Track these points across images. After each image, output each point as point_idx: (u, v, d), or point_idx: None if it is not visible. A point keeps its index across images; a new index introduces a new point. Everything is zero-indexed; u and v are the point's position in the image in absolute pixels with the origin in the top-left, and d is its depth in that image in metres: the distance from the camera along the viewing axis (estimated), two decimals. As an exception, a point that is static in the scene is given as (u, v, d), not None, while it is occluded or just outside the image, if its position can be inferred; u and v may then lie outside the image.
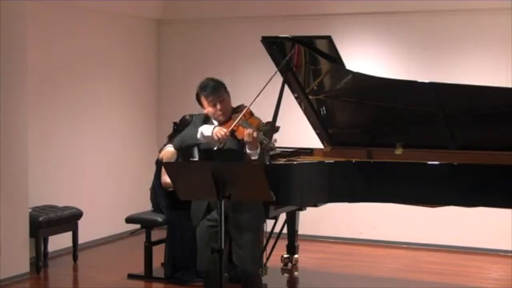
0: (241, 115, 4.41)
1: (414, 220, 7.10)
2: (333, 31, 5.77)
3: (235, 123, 4.38)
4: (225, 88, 4.51)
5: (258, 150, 4.36)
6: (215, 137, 4.33)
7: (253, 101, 4.50)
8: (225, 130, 4.33)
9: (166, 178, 5.77)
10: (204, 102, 4.49)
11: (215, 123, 4.50)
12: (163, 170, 5.79)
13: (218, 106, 4.44)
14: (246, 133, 4.28)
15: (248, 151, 4.35)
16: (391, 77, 5.50)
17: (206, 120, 4.55)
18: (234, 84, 7.34)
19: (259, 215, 4.58)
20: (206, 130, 4.41)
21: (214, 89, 4.45)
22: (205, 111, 4.55)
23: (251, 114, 4.49)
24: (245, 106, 4.54)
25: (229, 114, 4.50)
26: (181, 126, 6.04)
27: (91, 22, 7.37)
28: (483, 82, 5.49)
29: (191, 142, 4.52)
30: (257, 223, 4.65)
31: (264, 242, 5.44)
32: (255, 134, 4.26)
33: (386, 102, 5.39)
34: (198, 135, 4.43)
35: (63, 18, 7.03)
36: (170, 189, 5.68)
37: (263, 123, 4.59)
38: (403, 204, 5.30)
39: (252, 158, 4.35)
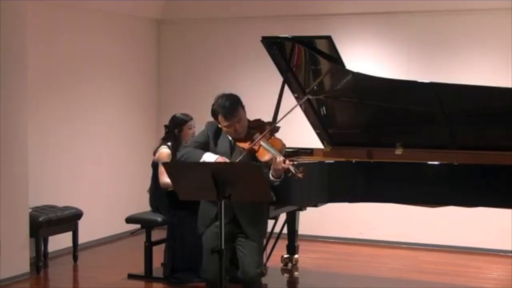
0: (261, 135, 4.25)
1: (414, 220, 7.10)
2: (333, 31, 5.77)
3: (255, 142, 4.22)
4: (241, 105, 4.29)
5: (282, 177, 4.19)
6: None
7: (277, 122, 4.35)
8: (228, 161, 4.20)
9: (164, 178, 5.74)
10: (221, 122, 4.28)
11: (229, 138, 4.34)
12: (161, 169, 5.74)
13: (236, 126, 4.25)
14: (277, 161, 4.10)
15: (271, 177, 4.18)
16: (391, 77, 5.50)
17: (219, 130, 4.38)
18: (233, 84, 7.37)
19: (264, 219, 4.50)
20: (208, 159, 4.25)
21: (231, 111, 4.22)
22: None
23: (271, 133, 4.34)
24: (263, 122, 4.40)
25: (245, 131, 4.31)
26: (171, 125, 6.05)
27: (91, 22, 7.37)
28: (483, 82, 5.50)
29: None
30: (264, 227, 4.57)
31: (264, 242, 5.42)
32: (284, 165, 4.09)
33: (386, 102, 5.39)
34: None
35: (63, 18, 7.03)
36: (170, 189, 5.67)
37: (284, 144, 4.35)
38: (403, 204, 5.31)
39: (274, 184, 4.18)
